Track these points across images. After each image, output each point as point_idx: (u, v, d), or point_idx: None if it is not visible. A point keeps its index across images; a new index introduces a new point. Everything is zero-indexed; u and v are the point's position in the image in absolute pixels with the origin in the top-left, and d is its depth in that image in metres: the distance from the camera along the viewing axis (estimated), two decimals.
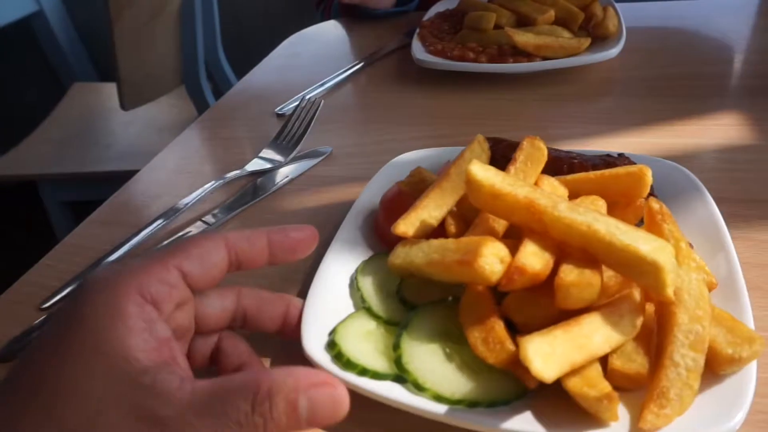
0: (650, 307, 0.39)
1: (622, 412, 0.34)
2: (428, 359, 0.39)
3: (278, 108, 0.87)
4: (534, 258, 0.38)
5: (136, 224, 0.64)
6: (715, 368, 0.35)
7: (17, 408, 0.30)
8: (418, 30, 0.97)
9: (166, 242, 0.61)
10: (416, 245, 0.43)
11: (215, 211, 0.65)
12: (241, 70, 2.15)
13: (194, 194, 0.66)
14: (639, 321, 0.37)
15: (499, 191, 0.40)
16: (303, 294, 0.47)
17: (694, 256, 0.40)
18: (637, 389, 0.36)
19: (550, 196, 0.39)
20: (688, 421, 0.33)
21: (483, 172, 0.41)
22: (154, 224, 0.62)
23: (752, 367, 0.35)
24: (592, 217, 0.37)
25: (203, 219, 0.64)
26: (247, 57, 2.39)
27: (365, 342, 0.42)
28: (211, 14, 1.98)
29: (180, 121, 2.11)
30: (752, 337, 0.35)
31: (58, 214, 1.99)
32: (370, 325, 0.44)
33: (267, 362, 0.45)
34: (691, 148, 0.64)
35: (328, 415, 0.31)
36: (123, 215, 0.69)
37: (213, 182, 0.68)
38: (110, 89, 2.31)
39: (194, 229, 0.63)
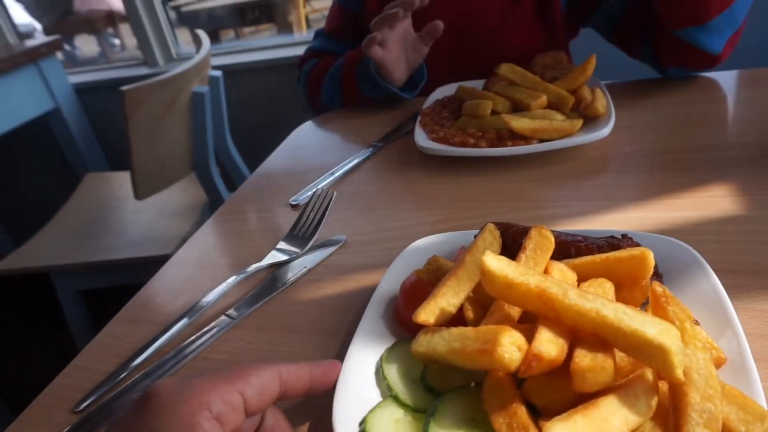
0: (664, 386, 0.41)
1: None
2: None
3: (291, 199, 0.91)
4: (549, 344, 0.40)
5: (161, 321, 0.67)
6: None
7: None
8: (419, 118, 1.03)
9: (193, 337, 0.63)
10: (437, 333, 0.46)
11: (237, 305, 0.68)
12: (249, 154, 2.25)
13: (216, 291, 0.69)
14: (654, 401, 0.39)
15: (512, 281, 0.43)
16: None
17: (700, 335, 0.42)
18: None
19: (560, 283, 0.42)
20: None
21: (496, 263, 0.44)
22: (180, 322, 0.65)
23: None
24: (600, 303, 0.40)
25: (226, 313, 0.67)
26: (252, 140, 2.50)
27: (394, 431, 0.44)
28: (219, 103, 2.09)
29: (190, 206, 2.18)
30: (764, 414, 0.37)
31: (71, 302, 2.02)
32: (398, 413, 0.46)
33: None
34: (688, 222, 0.68)
35: None
36: (148, 313, 0.72)
37: (234, 277, 0.71)
38: (121, 178, 2.41)
39: (219, 323, 0.65)
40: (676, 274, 0.54)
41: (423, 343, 0.47)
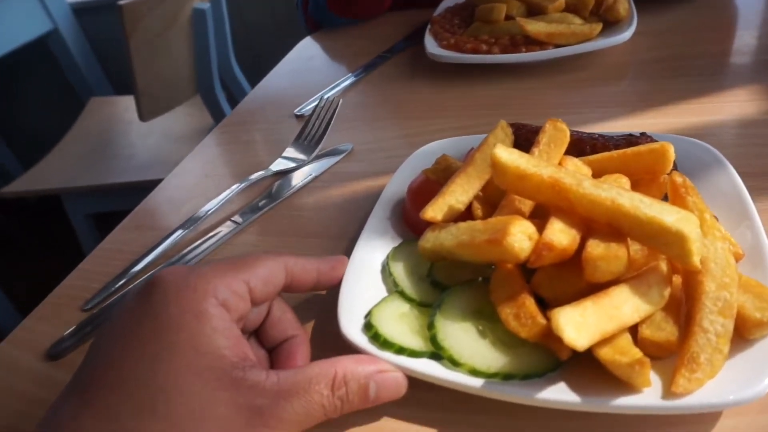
0: (677, 279, 0.40)
1: (654, 378, 0.35)
2: (462, 336, 0.40)
3: (296, 109, 0.88)
4: (561, 234, 0.39)
5: (167, 227, 0.67)
6: (744, 333, 0.36)
7: (111, 403, 0.31)
8: (429, 26, 0.98)
9: (199, 242, 0.63)
10: (445, 229, 0.45)
11: (243, 211, 0.67)
12: (253, 77, 2.19)
13: (221, 196, 0.68)
14: (667, 291, 0.37)
15: (524, 172, 0.41)
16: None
17: (718, 226, 0.41)
18: (666, 357, 0.37)
19: (575, 174, 0.40)
20: (720, 385, 0.34)
21: (508, 155, 0.42)
22: (185, 227, 0.64)
23: None
24: (616, 192, 0.38)
25: (232, 219, 0.66)
26: (257, 64, 2.43)
27: (400, 323, 0.43)
28: (222, 22, 2.02)
29: (196, 130, 2.15)
30: None
31: (83, 225, 2.04)
32: (404, 307, 0.45)
33: None
34: (709, 126, 0.65)
35: (391, 395, 0.37)
36: (154, 219, 0.71)
37: (238, 184, 0.70)
38: (126, 102, 2.37)
39: (224, 228, 0.65)
40: (695, 174, 0.51)
41: (430, 239, 0.45)
